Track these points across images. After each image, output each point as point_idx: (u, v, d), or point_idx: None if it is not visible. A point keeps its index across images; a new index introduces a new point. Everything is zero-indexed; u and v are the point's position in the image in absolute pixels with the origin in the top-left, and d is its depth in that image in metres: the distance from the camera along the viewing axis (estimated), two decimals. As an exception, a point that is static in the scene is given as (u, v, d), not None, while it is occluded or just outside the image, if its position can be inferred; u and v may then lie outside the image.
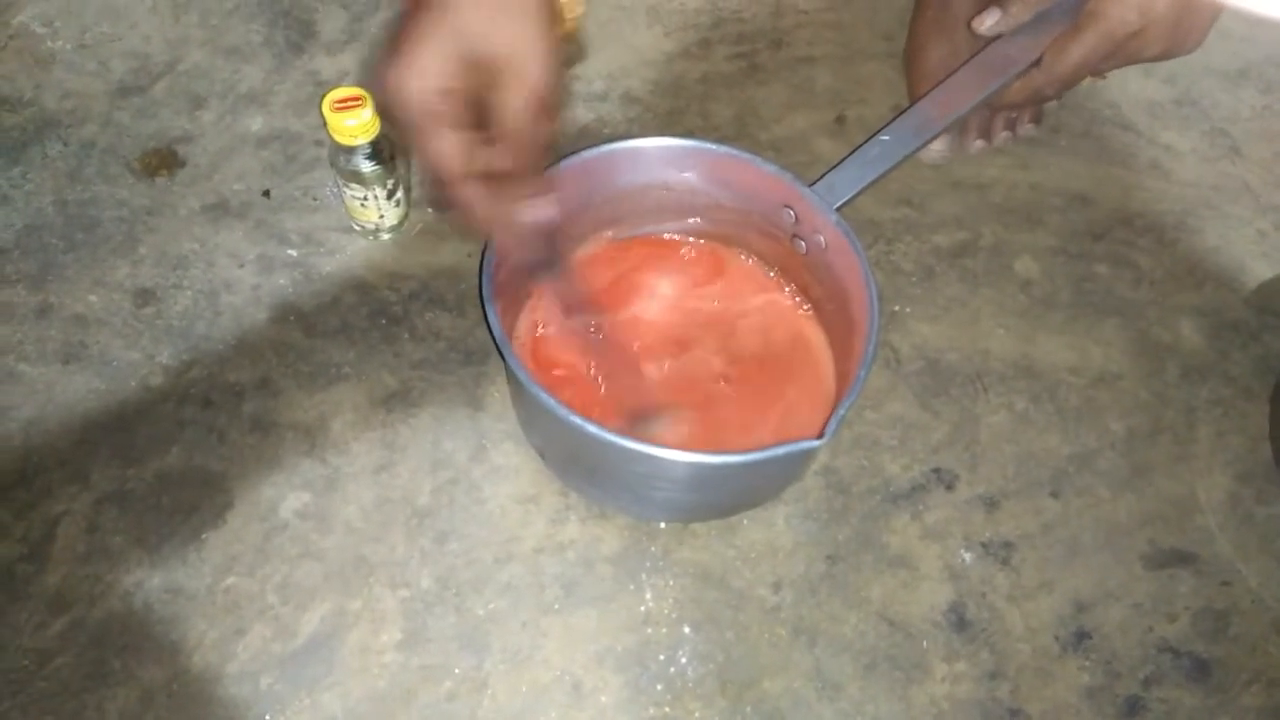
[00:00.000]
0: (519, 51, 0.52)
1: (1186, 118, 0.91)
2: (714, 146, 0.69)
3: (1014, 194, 0.85)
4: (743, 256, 0.75)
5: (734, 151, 0.69)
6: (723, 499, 0.68)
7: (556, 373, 0.70)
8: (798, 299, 0.74)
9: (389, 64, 0.52)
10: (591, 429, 0.57)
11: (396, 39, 0.52)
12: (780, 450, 0.57)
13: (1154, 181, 0.87)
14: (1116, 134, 0.90)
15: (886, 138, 0.71)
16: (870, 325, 0.62)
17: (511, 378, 0.60)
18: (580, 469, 0.68)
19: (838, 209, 0.67)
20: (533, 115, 0.54)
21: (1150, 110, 0.91)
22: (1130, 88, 0.92)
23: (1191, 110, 0.92)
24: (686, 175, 0.71)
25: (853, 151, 0.70)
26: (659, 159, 0.70)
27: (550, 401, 0.57)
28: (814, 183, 0.68)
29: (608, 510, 0.69)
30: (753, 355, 0.72)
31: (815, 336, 0.73)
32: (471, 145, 0.53)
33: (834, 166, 0.69)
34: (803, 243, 0.70)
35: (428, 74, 0.51)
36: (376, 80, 0.53)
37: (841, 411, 0.58)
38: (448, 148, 0.52)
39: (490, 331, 0.60)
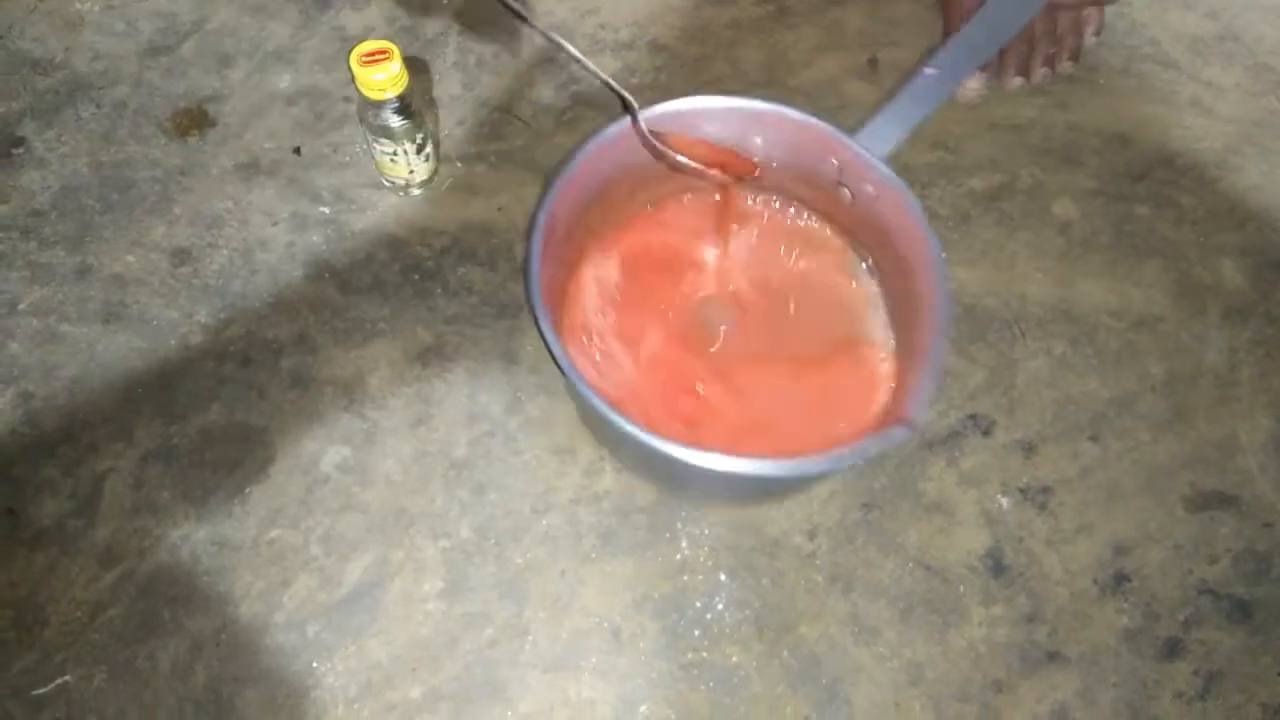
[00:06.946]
0: None
1: (1230, 53, 0.89)
2: (749, 102, 0.67)
3: (1052, 134, 0.84)
4: (782, 207, 0.74)
5: (771, 105, 0.66)
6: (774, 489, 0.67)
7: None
8: (847, 247, 0.72)
9: None
10: (651, 440, 0.54)
11: None
12: (872, 448, 0.53)
13: (1195, 119, 0.85)
14: (1157, 71, 0.88)
15: (933, 71, 0.67)
16: (939, 291, 0.58)
17: (568, 384, 0.57)
18: (636, 463, 0.67)
19: (889, 154, 0.64)
20: None
21: (1192, 46, 0.89)
22: (1171, 23, 0.90)
23: (1235, 45, 0.89)
24: (722, 132, 0.68)
25: (898, 90, 0.67)
26: (693, 119, 0.67)
27: (610, 412, 0.55)
28: (857, 129, 0.65)
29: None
30: (801, 313, 0.70)
31: (868, 289, 0.70)
32: None
33: (878, 109, 0.66)
34: (848, 191, 0.67)
35: None
36: None
37: (925, 393, 0.54)
38: None
39: (539, 329, 0.58)
